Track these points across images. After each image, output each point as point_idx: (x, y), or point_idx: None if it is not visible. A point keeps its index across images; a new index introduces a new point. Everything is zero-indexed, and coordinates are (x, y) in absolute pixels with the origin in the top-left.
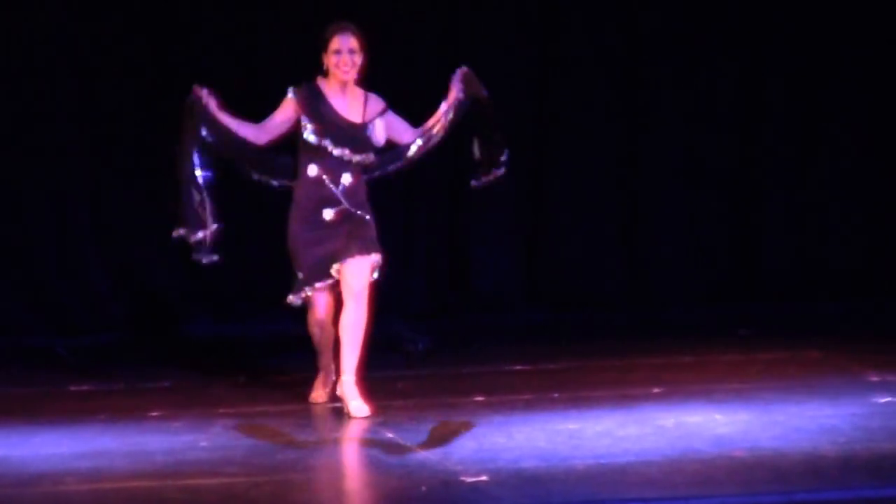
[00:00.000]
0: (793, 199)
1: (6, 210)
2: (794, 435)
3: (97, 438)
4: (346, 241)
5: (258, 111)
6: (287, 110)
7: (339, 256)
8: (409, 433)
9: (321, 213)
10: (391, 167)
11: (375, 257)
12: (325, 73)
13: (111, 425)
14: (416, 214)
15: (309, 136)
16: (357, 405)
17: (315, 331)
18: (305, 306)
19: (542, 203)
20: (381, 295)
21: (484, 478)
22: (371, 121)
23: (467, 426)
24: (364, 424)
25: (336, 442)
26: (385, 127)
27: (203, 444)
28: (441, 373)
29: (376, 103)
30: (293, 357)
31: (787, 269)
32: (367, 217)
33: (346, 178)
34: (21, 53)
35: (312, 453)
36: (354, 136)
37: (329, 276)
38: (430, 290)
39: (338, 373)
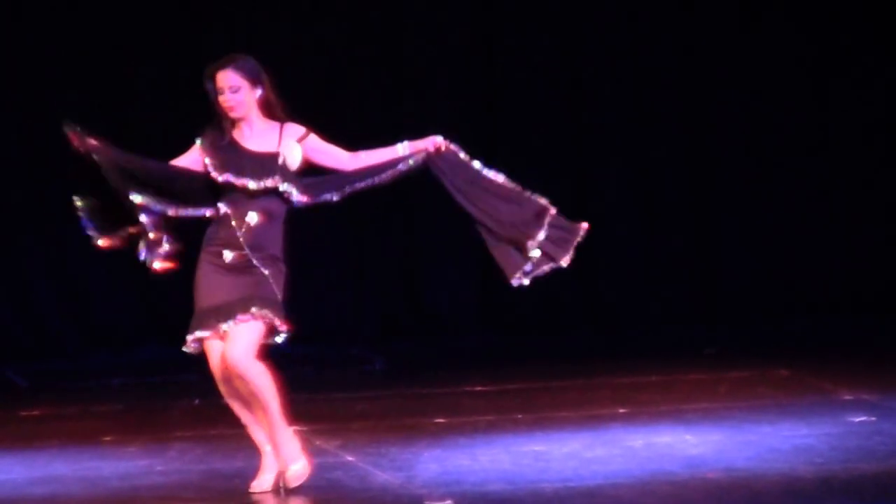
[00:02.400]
0: (750, 220)
1: None
2: (769, 455)
3: (50, 464)
4: (236, 298)
5: None
6: (193, 156)
7: (228, 314)
8: (369, 456)
9: (223, 255)
10: (326, 196)
11: (265, 321)
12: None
13: (64, 450)
14: (368, 234)
15: (212, 172)
16: (296, 469)
17: (222, 390)
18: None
19: None
20: (335, 317)
21: (449, 502)
22: (285, 146)
23: (430, 448)
24: (325, 447)
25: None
26: (310, 151)
27: (159, 468)
28: (400, 394)
29: (294, 130)
30: None
31: (748, 288)
32: (267, 272)
33: (252, 218)
34: None
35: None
36: (261, 165)
37: (215, 328)
38: (383, 312)
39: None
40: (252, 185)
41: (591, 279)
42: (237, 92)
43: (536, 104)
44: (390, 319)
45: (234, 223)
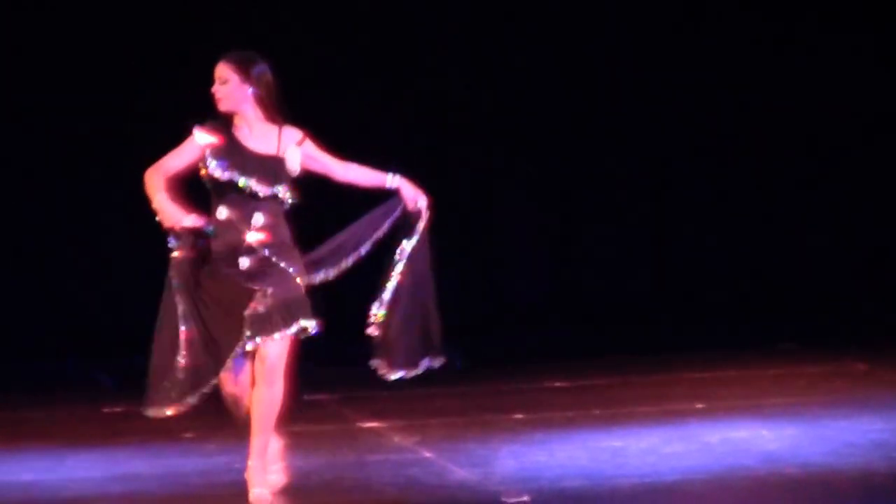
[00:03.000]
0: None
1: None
2: (846, 450)
3: (131, 461)
4: (263, 305)
5: None
6: (191, 152)
7: (254, 325)
8: (447, 452)
9: (237, 263)
10: (322, 273)
11: (301, 325)
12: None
13: (145, 447)
14: (447, 229)
15: (214, 170)
16: (258, 492)
17: (229, 403)
18: None
19: (570, 216)
20: None
21: (526, 498)
22: (285, 151)
23: (507, 444)
24: (403, 443)
25: (371, 462)
26: (304, 157)
27: (237, 465)
28: (478, 390)
29: (292, 134)
30: (329, 377)
31: (824, 281)
32: (291, 269)
33: (259, 219)
34: None
35: (351, 474)
36: (265, 166)
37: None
38: (462, 307)
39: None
40: (260, 189)
41: (671, 273)
42: (225, 84)
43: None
44: (469, 314)
45: (239, 227)
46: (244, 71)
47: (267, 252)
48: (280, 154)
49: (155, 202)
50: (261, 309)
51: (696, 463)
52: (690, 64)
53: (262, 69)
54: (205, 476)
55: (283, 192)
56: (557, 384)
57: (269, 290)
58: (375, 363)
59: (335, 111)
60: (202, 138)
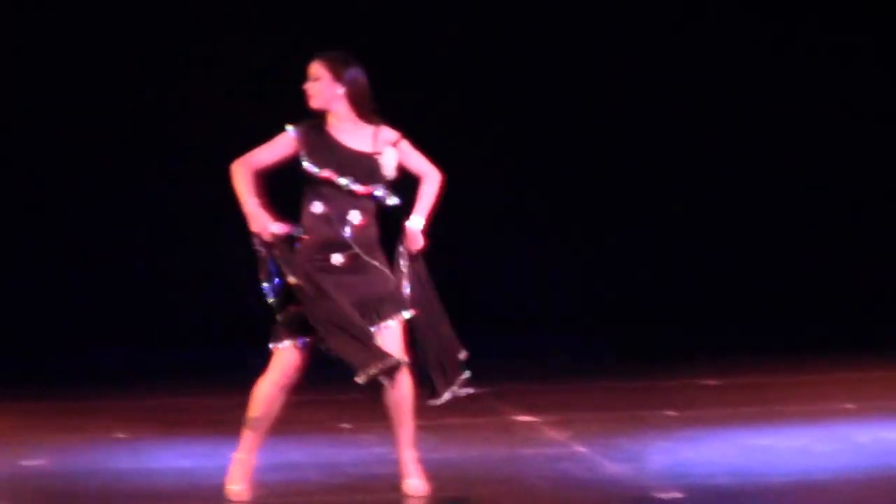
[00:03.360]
0: None
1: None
2: None
3: (289, 451)
4: (367, 300)
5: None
6: (284, 147)
7: (369, 318)
8: (600, 447)
9: (329, 257)
10: None
11: (406, 315)
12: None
13: (303, 438)
14: (618, 224)
15: (310, 167)
16: (413, 483)
17: (267, 393)
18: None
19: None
20: (571, 307)
21: (677, 494)
22: (381, 150)
23: (659, 440)
24: (556, 437)
25: (524, 456)
26: (399, 157)
27: (393, 456)
28: (633, 386)
29: (388, 134)
30: (484, 370)
31: None
32: (377, 263)
33: (355, 217)
34: None
35: (504, 467)
36: (361, 165)
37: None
38: (618, 302)
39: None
40: (357, 187)
41: (827, 272)
42: (316, 81)
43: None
44: (625, 310)
45: (334, 223)
46: (336, 70)
47: (358, 250)
48: (376, 153)
49: (244, 205)
50: (365, 302)
51: (847, 463)
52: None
53: (355, 70)
54: (361, 467)
55: (380, 192)
56: (711, 382)
57: (367, 286)
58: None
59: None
60: (294, 135)
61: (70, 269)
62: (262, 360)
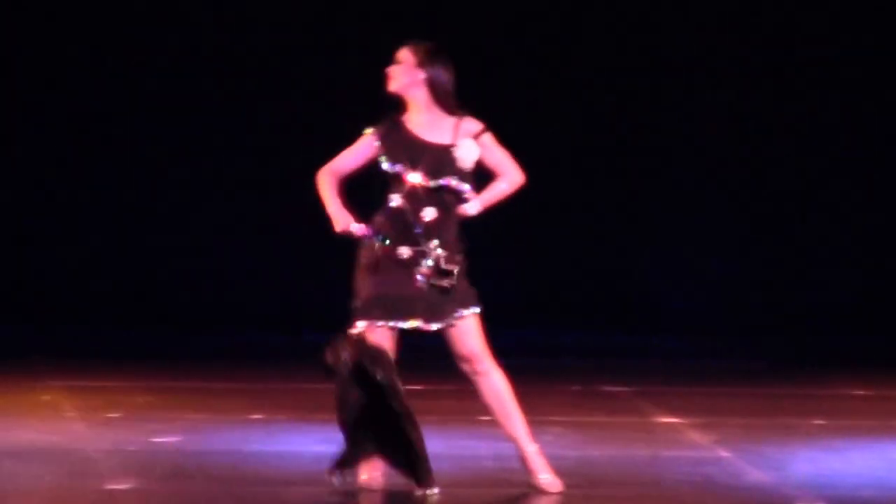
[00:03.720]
0: None
1: None
2: None
3: (427, 442)
4: (435, 296)
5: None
6: (365, 151)
7: (428, 313)
8: (744, 453)
9: (398, 251)
10: None
11: (475, 310)
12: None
13: (441, 427)
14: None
15: (384, 164)
16: (547, 478)
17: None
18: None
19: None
20: (719, 311)
21: None
22: (460, 141)
23: (805, 449)
24: (699, 441)
25: (666, 458)
26: (479, 150)
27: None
28: (780, 392)
29: (471, 125)
30: (627, 369)
31: None
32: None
33: (429, 213)
34: None
35: (645, 468)
36: (434, 158)
37: (396, 319)
38: (765, 308)
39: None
40: (428, 181)
41: None
42: (398, 64)
43: None
44: (771, 316)
45: (409, 219)
46: (420, 56)
47: (432, 245)
48: (452, 145)
49: (328, 208)
50: (430, 298)
51: None
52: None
53: (441, 60)
54: (499, 461)
55: (454, 184)
56: (860, 392)
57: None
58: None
59: None
60: (374, 137)
61: (212, 252)
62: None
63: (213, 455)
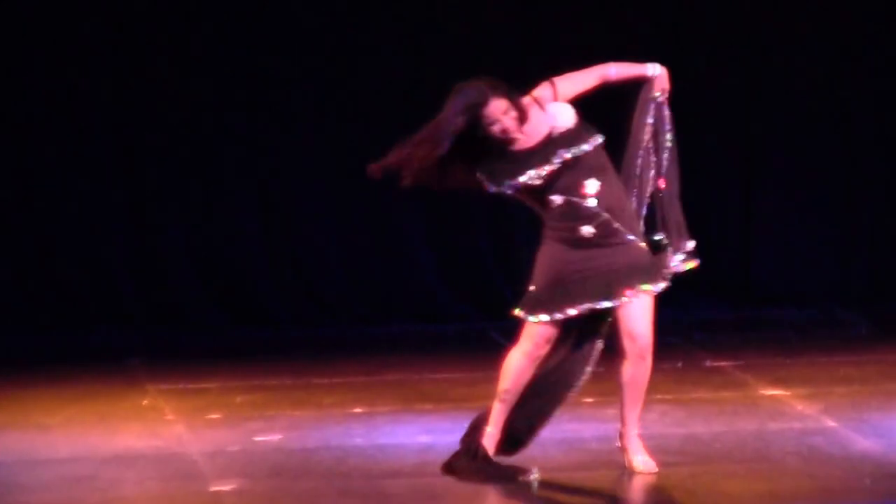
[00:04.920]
0: None
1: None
2: None
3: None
4: (617, 271)
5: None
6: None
7: (605, 292)
8: (851, 421)
9: (581, 231)
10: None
11: (657, 288)
12: None
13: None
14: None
15: (531, 182)
16: (643, 459)
17: (517, 365)
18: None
19: None
20: (819, 280)
21: None
22: (552, 116)
23: None
24: (805, 412)
25: (772, 431)
26: (564, 97)
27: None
28: (884, 359)
29: (543, 93)
30: (732, 343)
31: None
32: (630, 235)
33: (592, 186)
34: None
35: (752, 442)
36: (554, 142)
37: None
38: (872, 273)
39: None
40: (566, 155)
41: None
42: (507, 115)
43: None
44: (878, 280)
45: (577, 202)
46: (511, 96)
47: (609, 217)
48: (551, 126)
49: None
50: (612, 272)
51: None
52: None
53: (496, 83)
54: (604, 442)
55: (587, 147)
56: None
57: (618, 257)
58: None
59: None
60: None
61: (313, 248)
62: (501, 336)
63: (315, 451)
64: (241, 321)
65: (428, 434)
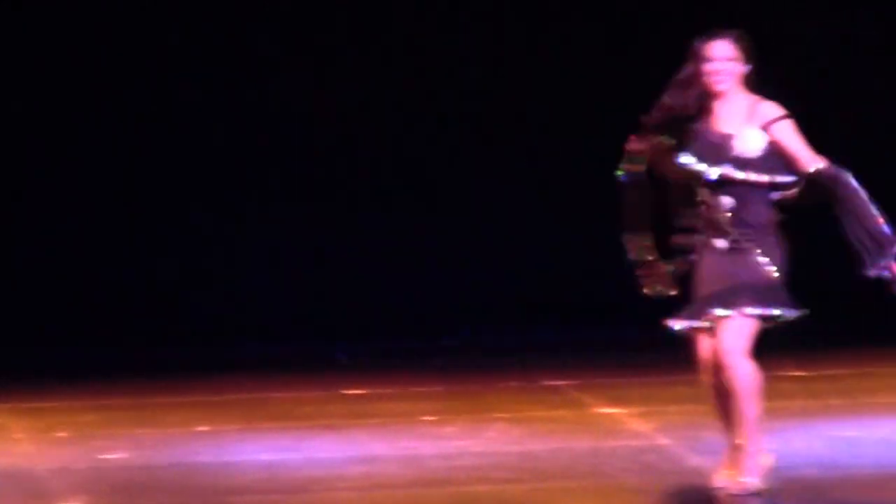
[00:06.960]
0: None
1: None
2: None
3: (370, 443)
4: (734, 286)
5: None
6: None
7: (715, 304)
8: (685, 440)
9: (714, 243)
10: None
11: (762, 312)
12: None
13: (384, 430)
14: None
15: (677, 157)
16: (745, 482)
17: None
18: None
19: None
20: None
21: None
22: (744, 128)
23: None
24: (640, 430)
25: (607, 448)
26: (768, 139)
27: (476, 449)
28: None
29: (764, 112)
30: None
31: None
32: (760, 251)
33: (726, 202)
34: None
35: (588, 459)
36: (718, 147)
37: (706, 317)
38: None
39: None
40: (709, 173)
41: None
42: (729, 61)
43: None
44: None
45: (712, 208)
46: (746, 50)
47: (738, 234)
48: (735, 133)
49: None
50: (725, 289)
51: None
52: None
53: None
54: (444, 459)
55: (733, 175)
56: (795, 373)
57: (738, 274)
58: None
59: None
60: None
61: (154, 267)
62: (344, 356)
63: (160, 469)
64: (88, 341)
65: (271, 452)
